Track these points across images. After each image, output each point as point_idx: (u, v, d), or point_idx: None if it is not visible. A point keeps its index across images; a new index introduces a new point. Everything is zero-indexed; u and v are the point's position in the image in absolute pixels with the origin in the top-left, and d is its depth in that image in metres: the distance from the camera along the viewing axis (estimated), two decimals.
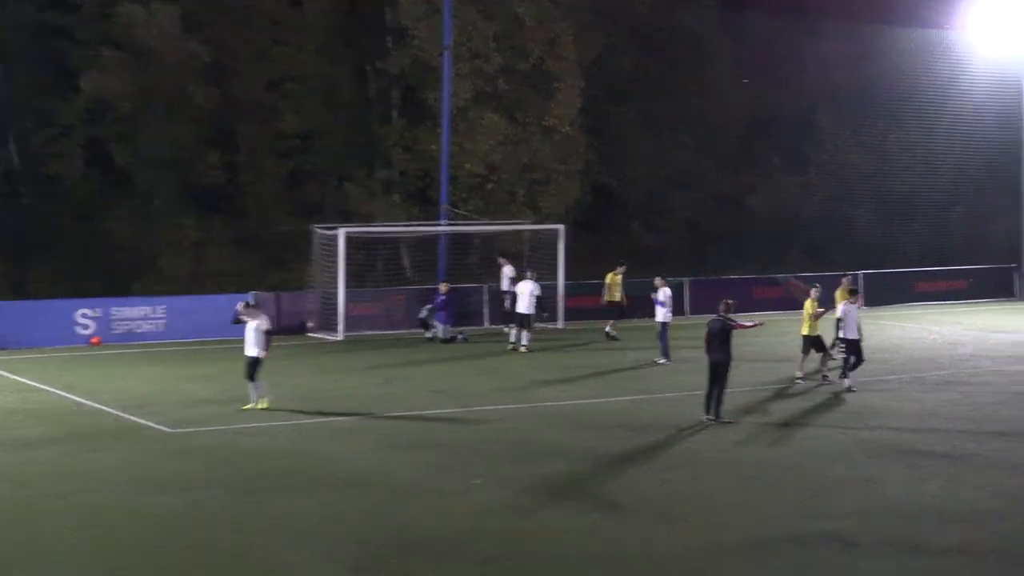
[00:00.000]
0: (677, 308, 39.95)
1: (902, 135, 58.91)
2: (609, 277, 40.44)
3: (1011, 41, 54.21)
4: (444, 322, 40.19)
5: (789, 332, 40.41)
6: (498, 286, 42.83)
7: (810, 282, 34.47)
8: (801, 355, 31.71)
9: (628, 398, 29.86)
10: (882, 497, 20.53)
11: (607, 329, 40.04)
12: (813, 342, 31.62)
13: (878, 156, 59.11)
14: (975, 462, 23.09)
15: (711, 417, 26.35)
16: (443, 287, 40.67)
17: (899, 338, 40.11)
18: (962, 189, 59.19)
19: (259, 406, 27.69)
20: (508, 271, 42.45)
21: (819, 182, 59.78)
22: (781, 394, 30.16)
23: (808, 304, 31.78)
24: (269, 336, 27.96)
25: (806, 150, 59.71)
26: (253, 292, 39.20)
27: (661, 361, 35.17)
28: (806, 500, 20.36)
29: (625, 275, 40.68)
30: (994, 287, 53.58)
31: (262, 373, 27.88)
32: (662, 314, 35.62)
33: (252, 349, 27.73)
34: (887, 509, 19.79)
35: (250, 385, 27.81)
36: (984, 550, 17.82)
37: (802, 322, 31.79)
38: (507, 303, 41.22)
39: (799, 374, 31.60)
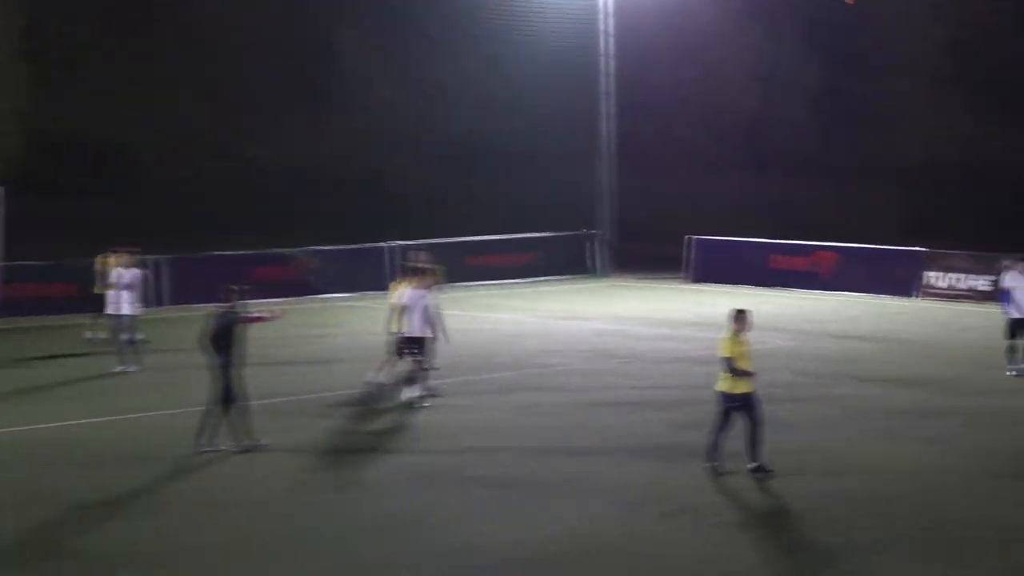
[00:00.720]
0: (149, 296, 39.84)
1: (449, 66, 59.80)
2: (111, 260, 38.23)
3: None
4: None
5: (309, 323, 40.56)
6: None
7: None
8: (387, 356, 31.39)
9: (84, 422, 29.07)
10: (413, 543, 20.52)
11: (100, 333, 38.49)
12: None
13: (417, 91, 59.97)
14: (539, 490, 23.42)
15: (243, 444, 25.76)
16: None
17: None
18: (528, 135, 60.51)
19: None
20: None
21: (342, 126, 60.08)
22: (310, 411, 29.88)
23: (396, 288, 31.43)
24: None
25: (324, 85, 60.23)
26: None
27: (125, 369, 34.10)
28: (322, 550, 20.21)
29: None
30: (568, 261, 54.98)
31: None
32: (126, 304, 34.46)
33: None
34: (421, 558, 19.75)
35: None
36: None
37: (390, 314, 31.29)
38: None
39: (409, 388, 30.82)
